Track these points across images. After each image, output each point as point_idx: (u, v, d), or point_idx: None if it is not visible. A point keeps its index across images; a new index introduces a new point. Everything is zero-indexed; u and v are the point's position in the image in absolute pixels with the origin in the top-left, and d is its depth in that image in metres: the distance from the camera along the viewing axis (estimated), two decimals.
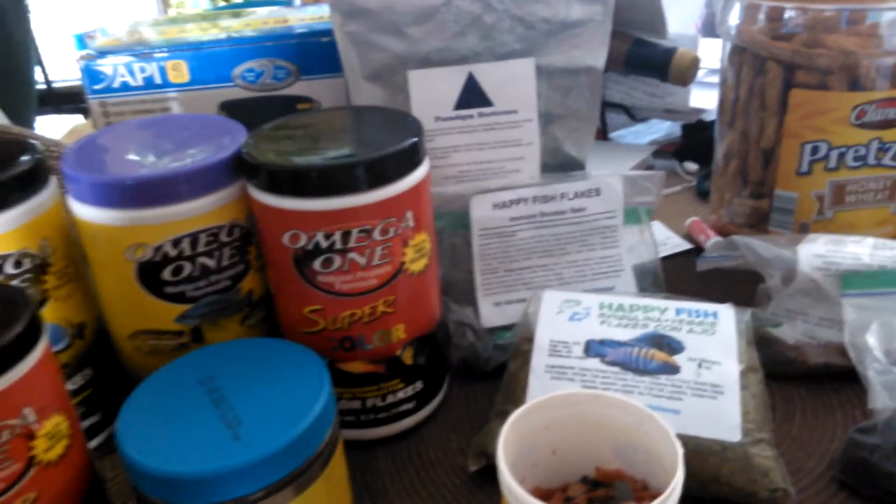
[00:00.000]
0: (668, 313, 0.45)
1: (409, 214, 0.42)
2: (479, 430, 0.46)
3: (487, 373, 0.51)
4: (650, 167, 0.81)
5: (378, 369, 0.45)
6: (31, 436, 0.32)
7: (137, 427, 0.35)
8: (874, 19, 0.54)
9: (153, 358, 0.44)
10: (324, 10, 0.59)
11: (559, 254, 0.52)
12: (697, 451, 0.39)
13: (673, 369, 0.42)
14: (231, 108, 0.54)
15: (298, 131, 0.44)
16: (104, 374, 0.47)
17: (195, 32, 0.57)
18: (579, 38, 0.52)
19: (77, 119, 1.99)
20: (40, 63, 1.86)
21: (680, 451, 0.32)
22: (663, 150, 0.83)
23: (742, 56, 0.59)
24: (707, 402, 0.41)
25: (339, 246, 0.40)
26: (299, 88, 0.55)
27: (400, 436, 0.47)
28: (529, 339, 0.45)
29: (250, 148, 0.42)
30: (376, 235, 0.41)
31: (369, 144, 0.42)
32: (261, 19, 0.60)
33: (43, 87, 1.87)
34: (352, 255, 0.41)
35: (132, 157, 0.43)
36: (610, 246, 0.53)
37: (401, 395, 0.46)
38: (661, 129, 0.88)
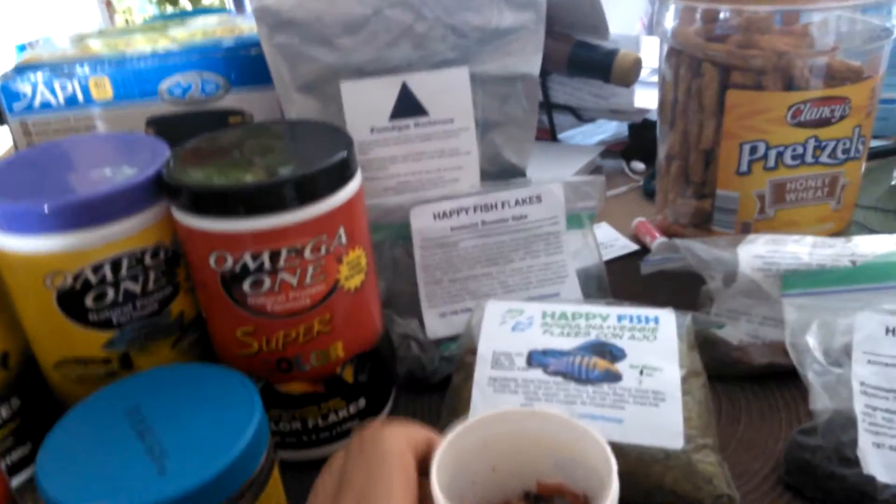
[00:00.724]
0: (609, 320, 0.45)
1: (342, 230, 0.41)
2: None
3: (435, 385, 0.50)
4: (598, 167, 0.81)
5: (318, 389, 0.43)
6: None
7: (58, 463, 0.34)
8: (807, 20, 0.55)
9: (81, 386, 0.42)
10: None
11: (503, 262, 0.52)
12: (641, 460, 0.39)
13: (615, 377, 0.41)
14: (159, 124, 0.52)
15: (223, 148, 0.43)
16: (33, 403, 0.45)
17: (143, 43, 0.55)
18: (512, 45, 0.51)
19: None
20: None
21: (614, 465, 0.32)
22: (611, 150, 0.83)
23: (679, 57, 0.59)
24: (649, 409, 0.40)
25: (268, 266, 0.39)
26: (230, 101, 0.53)
27: None
28: (473, 352, 0.44)
29: (171, 168, 0.40)
30: (307, 254, 0.39)
31: (297, 160, 0.41)
32: (208, 28, 0.59)
33: None
34: (282, 275, 0.39)
35: (49, 180, 0.41)
36: (554, 252, 0.52)
37: (343, 413, 0.45)
38: (609, 129, 0.88)
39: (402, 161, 0.51)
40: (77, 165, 0.42)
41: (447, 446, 0.34)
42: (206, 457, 0.33)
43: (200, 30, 0.59)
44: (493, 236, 0.51)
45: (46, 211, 0.38)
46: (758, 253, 0.49)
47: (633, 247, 0.65)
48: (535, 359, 0.43)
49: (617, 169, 0.81)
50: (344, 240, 0.41)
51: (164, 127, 0.52)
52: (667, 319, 0.44)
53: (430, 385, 0.50)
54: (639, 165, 0.80)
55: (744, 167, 0.57)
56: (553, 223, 0.52)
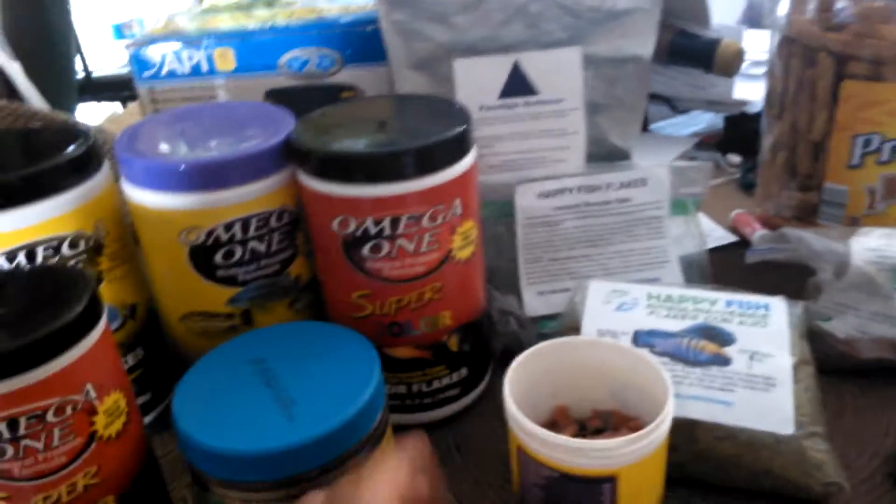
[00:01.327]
0: (718, 305, 0.44)
1: (458, 202, 0.42)
2: None
3: None
4: (692, 159, 0.80)
5: (424, 355, 0.45)
6: (92, 411, 0.33)
7: (193, 405, 0.36)
8: None
9: (203, 339, 0.44)
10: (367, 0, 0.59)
11: (604, 244, 0.52)
12: (750, 444, 0.39)
13: (724, 361, 0.41)
14: (277, 96, 0.55)
15: (348, 118, 0.45)
16: (154, 354, 0.48)
17: (228, 23, 0.57)
18: (627, 27, 0.51)
19: (115, 108, 2.02)
20: (80, 52, 1.90)
21: (670, 386, 0.35)
22: (705, 142, 0.82)
23: (791, 47, 0.58)
24: (759, 394, 0.40)
25: (387, 232, 0.40)
26: (343, 77, 0.55)
27: (444, 422, 0.47)
28: (575, 329, 0.45)
29: (301, 134, 0.42)
30: (425, 222, 0.41)
31: (419, 132, 0.42)
32: (297, 10, 0.61)
33: (82, 76, 1.90)
34: (400, 241, 0.41)
35: (185, 141, 0.43)
36: (656, 237, 0.52)
37: (446, 381, 0.46)
38: (703, 121, 0.86)
39: (508, 140, 0.52)
40: (210, 129, 0.44)
41: (514, 369, 0.37)
42: (332, 407, 0.35)
43: (296, 9, 0.60)
44: (595, 217, 0.51)
45: (187, 170, 0.40)
46: (872, 246, 0.48)
47: (731, 238, 0.64)
48: (642, 339, 0.43)
49: (711, 161, 0.80)
50: (459, 211, 0.42)
51: (281, 99, 0.54)
52: (778, 307, 0.44)
53: None
54: (735, 158, 0.79)
55: (856, 160, 0.55)
56: (657, 207, 0.52)
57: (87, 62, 1.97)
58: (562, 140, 0.52)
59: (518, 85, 0.50)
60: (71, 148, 0.42)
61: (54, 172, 0.40)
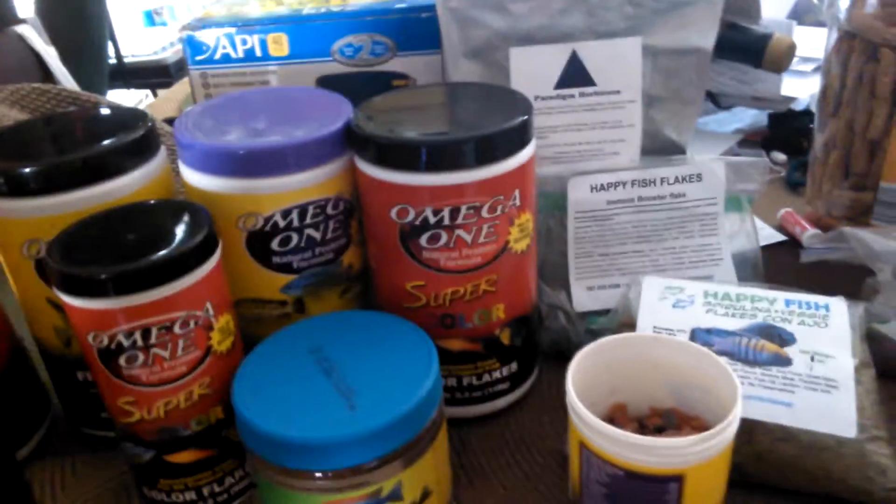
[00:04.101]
0: (777, 304, 0.44)
1: (517, 193, 0.41)
2: None
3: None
4: (736, 155, 0.78)
5: (476, 348, 0.44)
6: (209, 327, 0.37)
7: (254, 391, 0.36)
8: None
9: (256, 326, 0.44)
10: None
11: (656, 240, 0.51)
12: (811, 446, 0.38)
13: (784, 361, 0.41)
14: (328, 83, 0.54)
15: (407, 106, 0.44)
16: None
17: (270, 7, 0.57)
18: (688, 17, 0.50)
19: (144, 94, 2.03)
20: (112, 38, 1.91)
21: (739, 387, 0.35)
22: (749, 140, 0.81)
23: (851, 42, 0.57)
24: (821, 395, 0.39)
25: (446, 222, 0.40)
26: (395, 65, 0.55)
27: (493, 415, 0.47)
28: (630, 325, 0.44)
29: (362, 121, 0.42)
30: (484, 213, 0.40)
31: (481, 121, 0.41)
32: None
33: (114, 62, 1.92)
34: (459, 231, 0.40)
35: (244, 127, 0.43)
36: (709, 234, 0.51)
37: (496, 374, 0.45)
38: (746, 118, 0.85)
39: (563, 131, 0.51)
40: (268, 115, 0.44)
41: (578, 362, 0.37)
42: (393, 398, 0.35)
43: None
44: (648, 213, 0.51)
45: (247, 155, 0.40)
46: None
47: (779, 237, 0.63)
48: (700, 336, 0.42)
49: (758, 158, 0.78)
50: (518, 202, 0.42)
51: (332, 86, 0.54)
52: (838, 308, 0.43)
53: (571, 357, 0.50)
54: (780, 156, 0.77)
55: None
56: (711, 204, 0.51)
57: (119, 48, 1.98)
58: (617, 132, 0.51)
59: (575, 75, 0.50)
60: (130, 131, 0.42)
61: (118, 154, 0.40)
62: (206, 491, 0.41)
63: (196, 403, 0.38)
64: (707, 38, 0.50)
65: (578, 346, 0.50)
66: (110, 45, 1.88)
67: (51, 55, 1.16)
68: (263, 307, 0.44)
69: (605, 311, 0.50)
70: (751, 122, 0.85)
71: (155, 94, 2.03)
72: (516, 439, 0.45)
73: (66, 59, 1.20)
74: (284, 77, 0.54)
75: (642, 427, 0.39)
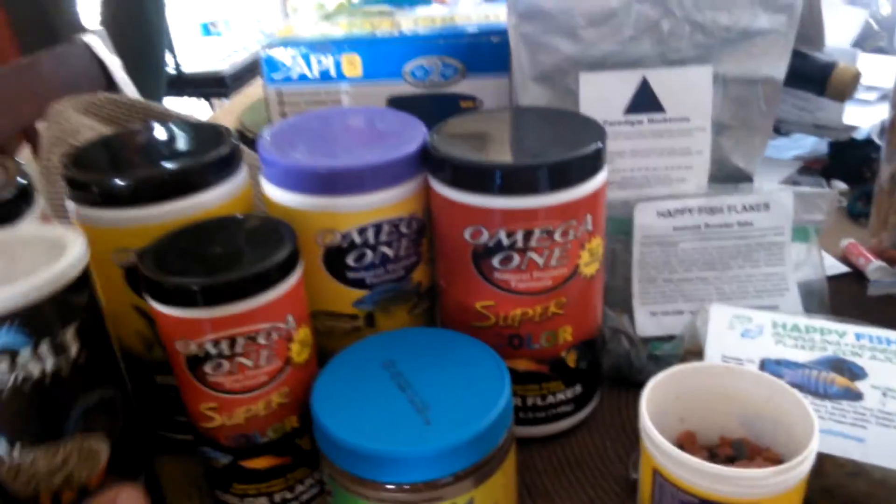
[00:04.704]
0: (846, 337, 0.43)
1: (589, 218, 0.42)
2: (635, 438, 0.46)
3: (638, 383, 0.50)
4: (795, 183, 0.78)
5: (542, 369, 0.45)
6: (290, 339, 0.39)
7: (332, 402, 0.37)
8: None
9: (327, 338, 0.46)
10: (492, 10, 0.60)
11: (721, 268, 0.51)
12: (884, 482, 0.38)
13: (855, 396, 0.40)
14: (398, 104, 0.56)
15: (482, 128, 0.45)
16: None
17: (347, 28, 0.59)
18: (759, 47, 0.50)
19: (199, 104, 2.09)
20: (171, 48, 1.97)
21: (815, 421, 0.34)
22: (809, 167, 0.80)
23: None
24: (894, 432, 0.39)
25: (520, 245, 0.41)
26: (464, 87, 0.56)
27: (555, 437, 0.47)
28: (696, 353, 0.45)
29: (438, 143, 0.43)
30: (557, 237, 0.41)
31: (555, 146, 0.42)
32: (420, 17, 0.62)
33: (172, 72, 1.98)
34: (531, 254, 0.41)
35: (324, 146, 0.45)
36: (775, 263, 0.51)
37: (560, 396, 0.46)
38: (806, 145, 0.84)
39: (630, 156, 0.51)
40: (347, 134, 0.46)
41: (650, 391, 0.37)
42: (468, 415, 0.35)
43: (420, 17, 0.62)
44: (714, 240, 0.51)
45: (329, 174, 0.42)
46: None
47: (842, 268, 0.63)
48: (769, 368, 0.42)
49: (817, 186, 0.78)
50: (590, 226, 0.42)
51: (402, 106, 0.55)
52: None
53: (634, 382, 0.51)
54: (840, 185, 0.76)
55: None
56: (778, 233, 0.51)
57: (178, 58, 2.04)
58: (685, 159, 0.51)
59: (645, 101, 0.50)
60: (219, 146, 0.44)
61: (207, 169, 0.42)
62: (277, 497, 0.42)
63: (274, 412, 0.39)
64: (778, 68, 0.50)
65: (640, 371, 0.51)
66: (168, 54, 1.94)
67: (115, 65, 1.20)
68: (336, 320, 0.46)
69: (669, 337, 0.50)
70: (810, 149, 0.84)
71: (210, 104, 2.09)
72: (579, 461, 0.46)
73: (127, 68, 1.25)
74: (357, 97, 0.56)
75: (712, 456, 0.39)
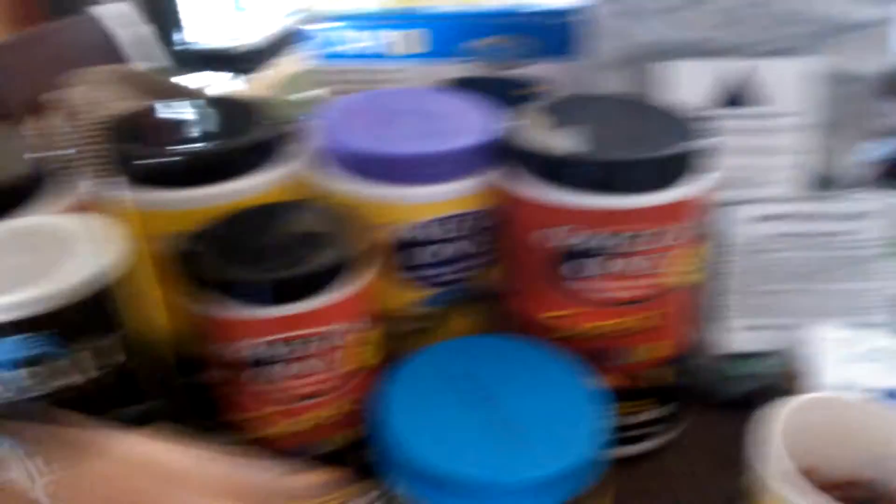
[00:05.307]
0: None
1: (695, 222, 0.37)
2: (726, 462, 0.41)
3: (726, 402, 0.45)
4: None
5: (632, 385, 0.40)
6: (365, 341, 0.35)
7: (406, 417, 0.32)
8: None
9: (388, 340, 0.41)
10: None
11: (822, 280, 0.46)
12: None
13: None
14: (462, 85, 0.51)
15: (567, 116, 0.40)
16: None
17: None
18: (865, 40, 0.45)
19: (224, 78, 2.03)
20: (178, 24, 1.92)
21: None
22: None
23: None
24: None
25: (621, 249, 0.36)
26: (534, 70, 0.51)
27: (638, 458, 0.42)
28: (799, 377, 0.39)
29: (519, 132, 0.38)
30: (655, 242, 0.36)
31: (656, 140, 0.37)
32: None
33: (201, 46, 1.92)
34: (622, 260, 0.36)
35: (390, 130, 0.40)
36: (883, 278, 0.46)
37: (654, 414, 0.41)
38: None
39: (724, 154, 0.46)
40: (412, 118, 0.41)
41: (784, 425, 0.32)
42: (567, 440, 0.31)
43: None
44: (815, 250, 0.46)
45: (392, 161, 0.37)
46: None
47: None
48: (893, 397, 0.37)
49: None
50: (692, 232, 0.37)
51: (466, 88, 0.50)
52: None
53: (721, 401, 0.46)
54: None
55: None
56: (890, 244, 0.46)
57: (194, 33, 1.98)
58: (782, 159, 0.46)
59: (738, 94, 0.45)
60: (274, 126, 0.39)
61: (265, 149, 0.38)
62: None
63: (342, 419, 0.35)
64: (879, 64, 0.45)
65: (725, 390, 0.46)
66: (196, 28, 1.89)
67: (130, 38, 1.15)
68: (398, 322, 0.41)
69: (757, 354, 0.45)
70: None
71: (239, 79, 2.01)
72: (665, 486, 0.41)
73: (146, 43, 1.20)
74: (416, 76, 0.51)
75: (840, 499, 0.33)
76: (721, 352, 0.45)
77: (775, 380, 0.42)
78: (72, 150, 0.59)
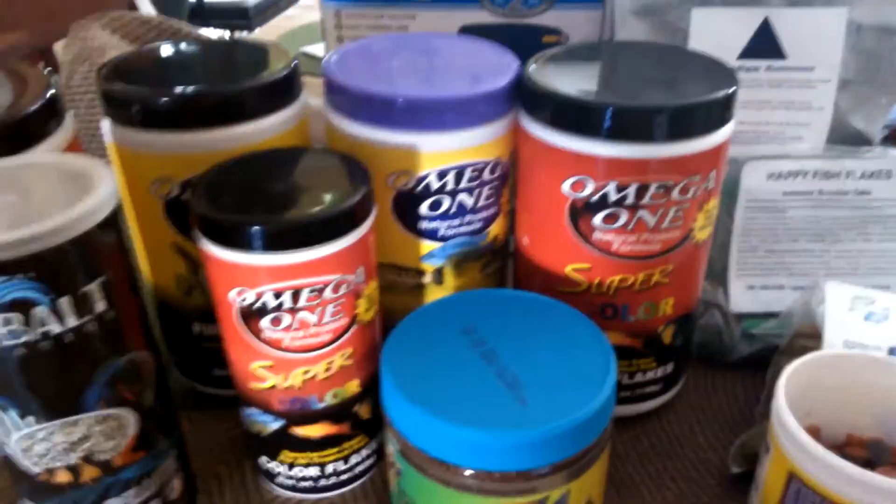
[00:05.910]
0: None
1: (713, 175, 0.36)
2: (726, 424, 0.41)
3: (728, 362, 0.45)
4: None
5: (635, 343, 0.40)
6: (358, 295, 0.33)
7: (407, 373, 0.31)
8: None
9: (389, 294, 0.40)
10: None
11: (830, 240, 0.45)
12: None
13: None
14: (473, 33, 0.49)
15: (588, 63, 0.39)
16: None
17: None
18: None
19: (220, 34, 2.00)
20: None
21: None
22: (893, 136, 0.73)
23: None
24: None
25: (630, 201, 0.35)
26: (549, 18, 0.49)
27: (636, 418, 0.42)
28: (811, 336, 0.39)
29: (538, 75, 0.36)
30: (675, 194, 0.35)
31: (682, 87, 0.36)
32: None
33: (193, 0, 1.88)
34: (642, 212, 0.35)
35: (401, 75, 0.39)
36: (892, 239, 0.45)
37: (650, 374, 0.41)
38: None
39: (741, 107, 0.45)
40: (425, 64, 0.40)
41: (787, 381, 0.32)
42: (571, 398, 0.30)
43: None
44: (827, 209, 0.45)
45: (407, 106, 0.36)
46: None
47: None
48: None
49: None
50: (711, 185, 0.36)
51: (477, 36, 0.48)
52: None
53: (723, 362, 0.45)
54: None
55: None
56: None
57: None
58: (804, 115, 0.45)
59: (764, 45, 0.44)
60: (279, 68, 0.38)
61: (266, 92, 0.36)
62: (329, 468, 0.37)
63: (335, 375, 0.34)
64: None
65: (731, 350, 0.45)
66: None
67: None
68: (401, 275, 0.40)
69: (766, 315, 0.45)
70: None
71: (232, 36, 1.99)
72: (665, 447, 0.41)
73: None
74: (425, 23, 0.49)
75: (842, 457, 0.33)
76: (724, 311, 0.45)
77: (783, 340, 0.41)
78: (84, 93, 0.58)
